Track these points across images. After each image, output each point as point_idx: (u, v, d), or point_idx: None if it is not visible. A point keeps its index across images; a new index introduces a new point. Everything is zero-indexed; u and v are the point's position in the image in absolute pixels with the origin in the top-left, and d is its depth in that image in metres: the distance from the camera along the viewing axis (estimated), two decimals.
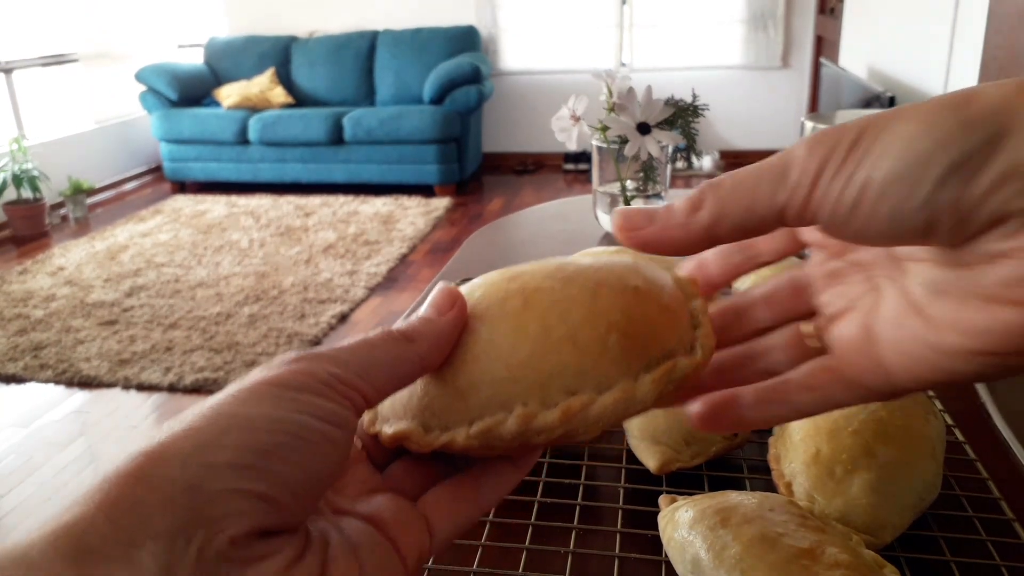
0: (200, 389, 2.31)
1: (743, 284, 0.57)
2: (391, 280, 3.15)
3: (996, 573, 0.41)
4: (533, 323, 0.26)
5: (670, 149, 0.98)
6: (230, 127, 4.47)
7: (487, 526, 0.46)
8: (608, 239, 1.02)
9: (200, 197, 4.48)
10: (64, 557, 0.18)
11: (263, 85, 4.67)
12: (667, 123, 0.96)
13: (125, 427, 2.14)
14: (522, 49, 4.85)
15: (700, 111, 0.98)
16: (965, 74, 1.77)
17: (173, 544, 0.18)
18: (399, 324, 0.26)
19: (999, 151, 0.19)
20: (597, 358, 0.26)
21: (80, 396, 2.32)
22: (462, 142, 4.39)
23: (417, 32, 4.68)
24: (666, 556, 0.41)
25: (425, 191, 4.42)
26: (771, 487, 0.46)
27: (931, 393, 0.54)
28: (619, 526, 0.46)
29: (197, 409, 0.21)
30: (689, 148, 0.99)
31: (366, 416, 0.28)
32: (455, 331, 0.26)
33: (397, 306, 2.88)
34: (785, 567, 0.34)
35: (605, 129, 0.96)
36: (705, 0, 4.58)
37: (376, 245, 3.50)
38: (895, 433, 0.43)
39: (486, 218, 3.99)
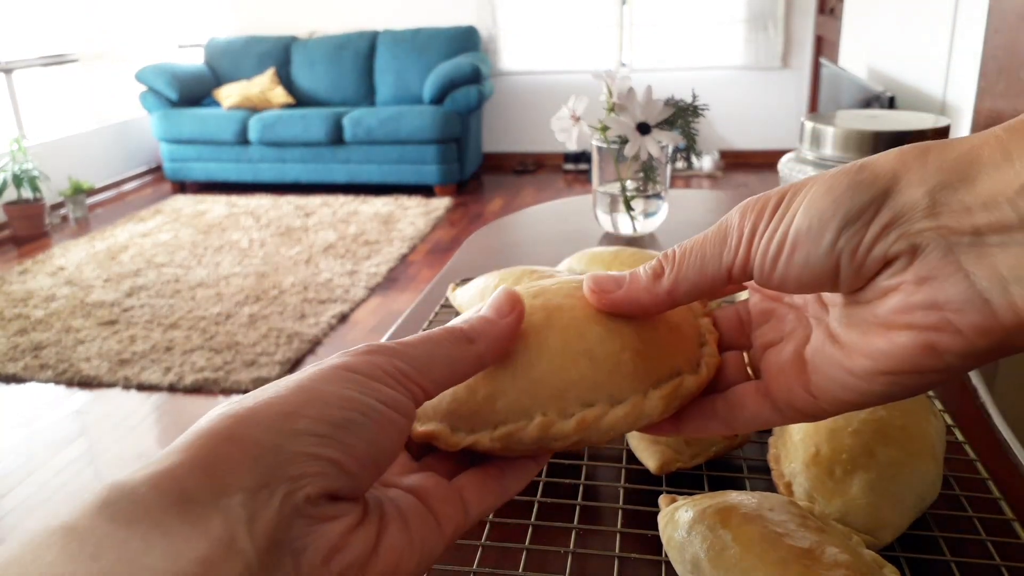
0: (200, 389, 2.31)
1: None
2: (391, 280, 3.15)
3: (996, 573, 0.41)
4: (553, 338, 0.29)
5: (670, 149, 0.98)
6: (230, 127, 4.47)
7: (487, 526, 0.46)
8: (608, 239, 1.02)
9: (200, 197, 4.48)
10: (167, 498, 0.20)
11: (263, 85, 4.67)
12: (667, 123, 0.96)
13: (125, 427, 2.14)
14: (522, 49, 4.85)
15: (700, 111, 0.98)
16: (965, 74, 1.77)
17: (258, 495, 0.21)
18: (461, 320, 0.28)
19: (883, 207, 0.24)
20: (611, 373, 0.28)
21: (80, 396, 2.32)
22: (462, 142, 4.39)
23: (417, 32, 4.68)
24: (666, 556, 0.41)
25: (425, 191, 4.42)
26: (771, 487, 0.46)
27: (931, 393, 0.54)
28: (619, 526, 0.46)
29: (279, 383, 0.24)
30: (689, 148, 0.99)
31: None
32: (512, 334, 0.28)
33: (397, 306, 2.88)
34: (785, 567, 0.34)
35: (605, 129, 0.96)
36: (705, 0, 4.58)
37: (376, 245, 3.50)
38: (895, 433, 0.43)
39: (486, 218, 3.99)
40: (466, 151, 4.47)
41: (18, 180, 3.86)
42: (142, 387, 2.34)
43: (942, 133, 0.82)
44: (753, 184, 4.41)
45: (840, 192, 0.24)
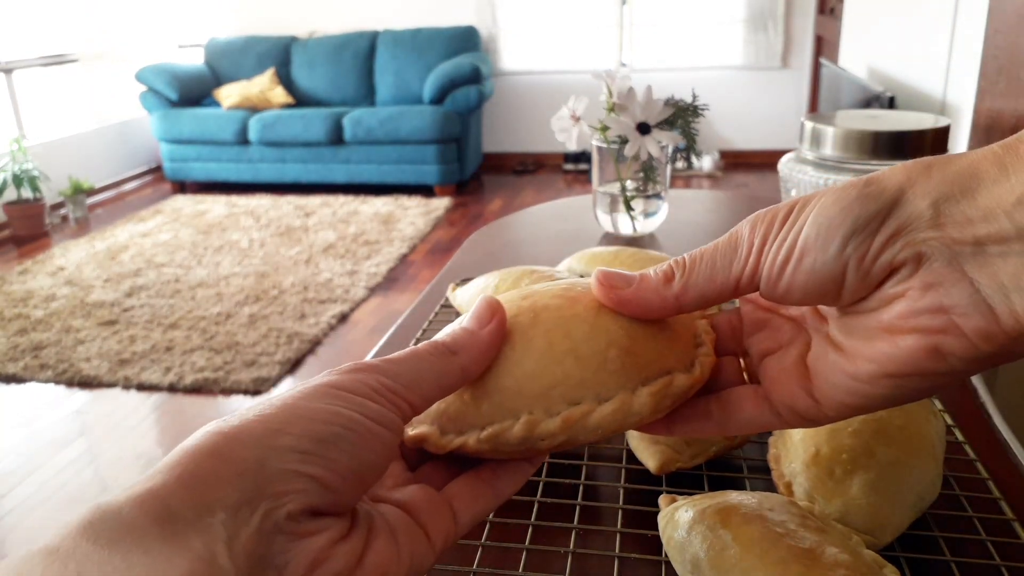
0: (200, 389, 2.31)
1: None
2: (391, 280, 3.15)
3: (996, 573, 0.41)
4: (539, 338, 0.29)
5: (670, 149, 0.98)
6: (230, 127, 4.47)
7: (487, 526, 0.46)
8: (608, 239, 1.02)
9: (200, 197, 4.48)
10: (150, 517, 0.20)
11: (263, 85, 4.67)
12: (667, 123, 0.96)
13: (125, 427, 2.14)
14: (522, 49, 4.85)
15: (700, 111, 0.98)
16: (965, 74, 1.77)
17: (239, 513, 0.21)
18: (444, 333, 0.29)
19: (890, 216, 0.25)
20: (597, 371, 0.28)
21: (80, 396, 2.32)
22: (462, 142, 4.39)
23: (417, 32, 4.68)
24: (666, 556, 0.41)
25: (425, 191, 4.42)
26: (771, 487, 0.46)
27: None
28: (619, 526, 0.46)
29: (266, 400, 0.24)
30: (689, 148, 0.99)
31: None
32: (495, 342, 0.29)
33: (397, 306, 2.88)
34: (785, 567, 0.34)
35: (605, 129, 0.96)
36: (705, 0, 4.58)
37: (376, 245, 3.50)
38: (895, 433, 0.43)
39: (486, 218, 3.99)
40: (466, 151, 4.47)
41: (18, 180, 3.86)
42: (142, 387, 2.34)
43: (942, 133, 0.82)
44: (753, 184, 4.41)
45: (849, 202, 0.25)
